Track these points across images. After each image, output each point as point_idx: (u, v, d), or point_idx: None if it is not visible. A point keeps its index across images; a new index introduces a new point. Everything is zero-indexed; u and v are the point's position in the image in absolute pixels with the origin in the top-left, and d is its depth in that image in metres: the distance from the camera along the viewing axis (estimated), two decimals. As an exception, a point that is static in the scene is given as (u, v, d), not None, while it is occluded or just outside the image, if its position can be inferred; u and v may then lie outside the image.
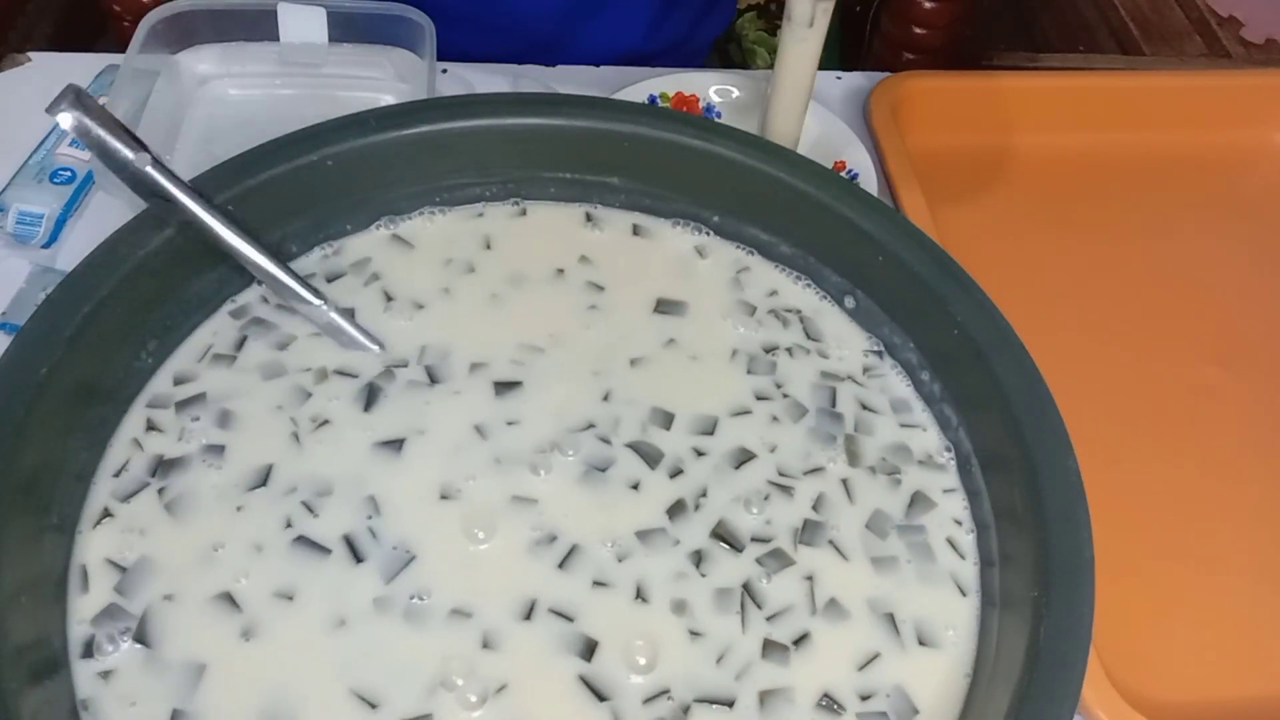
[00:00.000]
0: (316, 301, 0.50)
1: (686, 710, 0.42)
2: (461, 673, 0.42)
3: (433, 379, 0.50)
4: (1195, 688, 0.53)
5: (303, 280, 0.50)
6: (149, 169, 0.45)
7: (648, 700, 0.42)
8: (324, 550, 0.44)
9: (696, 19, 0.92)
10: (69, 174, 0.66)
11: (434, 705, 0.41)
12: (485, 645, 0.43)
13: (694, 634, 0.43)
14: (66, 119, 0.43)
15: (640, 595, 0.44)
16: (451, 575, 0.44)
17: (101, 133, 0.44)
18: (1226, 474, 0.62)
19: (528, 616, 0.43)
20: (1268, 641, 0.56)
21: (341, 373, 0.50)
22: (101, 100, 0.70)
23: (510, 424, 0.49)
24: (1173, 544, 0.58)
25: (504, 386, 0.50)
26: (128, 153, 0.44)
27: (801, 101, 0.63)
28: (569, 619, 0.43)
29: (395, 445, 0.48)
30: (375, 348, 0.50)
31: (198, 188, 0.47)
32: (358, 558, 0.44)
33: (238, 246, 0.48)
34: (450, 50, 0.76)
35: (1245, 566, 0.58)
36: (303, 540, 0.45)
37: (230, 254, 0.48)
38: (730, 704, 0.42)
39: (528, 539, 0.46)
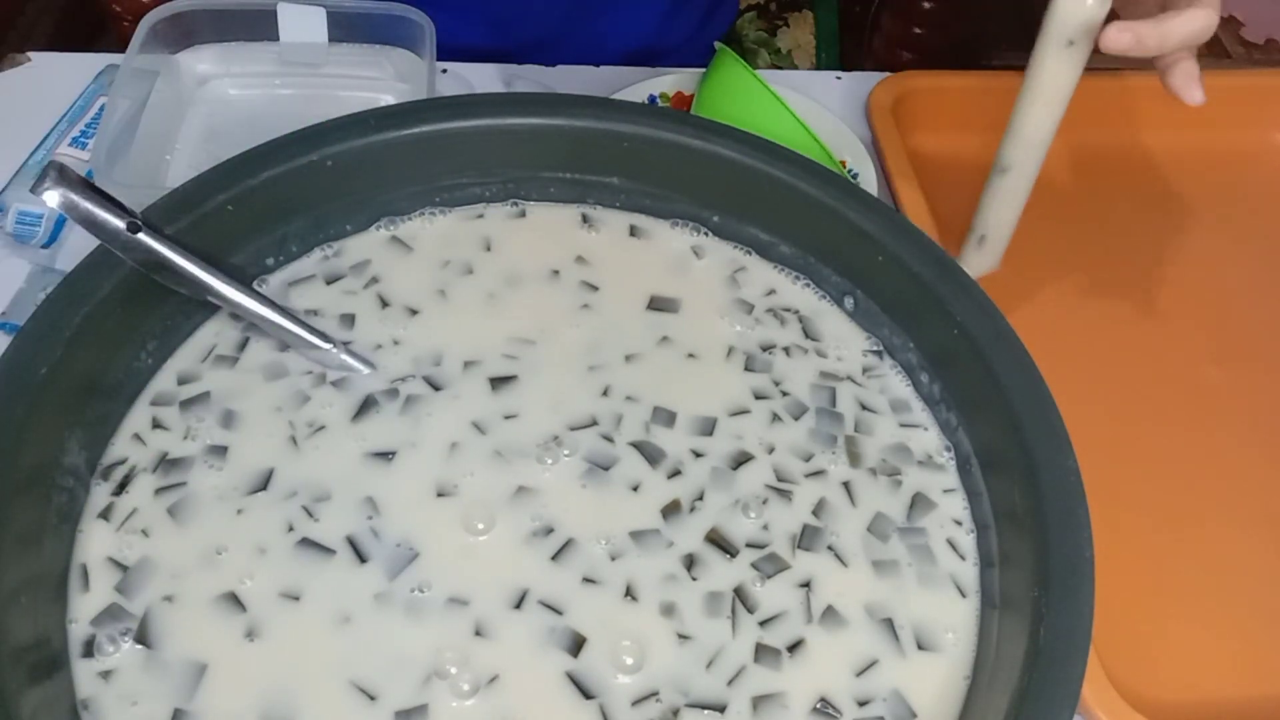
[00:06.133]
0: (325, 345, 0.50)
1: (676, 714, 0.42)
2: (455, 662, 0.42)
3: (434, 387, 0.50)
4: (1195, 688, 0.53)
5: (309, 326, 0.50)
6: (141, 235, 0.45)
7: (636, 702, 0.42)
8: (329, 551, 0.45)
9: (704, 17, 0.92)
10: (69, 174, 0.66)
11: (429, 695, 0.41)
12: (478, 633, 0.43)
13: (682, 637, 0.43)
14: (53, 197, 0.43)
15: (629, 594, 0.44)
16: (451, 566, 0.45)
17: (89, 205, 0.44)
18: (1226, 474, 0.62)
19: (518, 606, 0.44)
20: (1268, 641, 0.56)
21: (336, 383, 0.50)
22: (101, 100, 0.70)
23: (508, 418, 0.49)
24: (1173, 544, 0.58)
25: (499, 381, 0.50)
26: (117, 222, 0.44)
27: (1052, 129, 0.57)
28: (558, 612, 0.44)
29: (395, 447, 0.48)
30: (366, 369, 0.50)
31: (192, 247, 0.47)
32: (362, 558, 0.44)
33: (241, 302, 0.48)
34: (462, 44, 0.76)
35: (1245, 566, 0.58)
36: (307, 542, 0.45)
37: (233, 310, 0.49)
38: (721, 709, 0.42)
39: (526, 529, 0.46)
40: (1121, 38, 0.50)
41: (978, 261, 0.62)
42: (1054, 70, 0.54)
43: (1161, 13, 0.52)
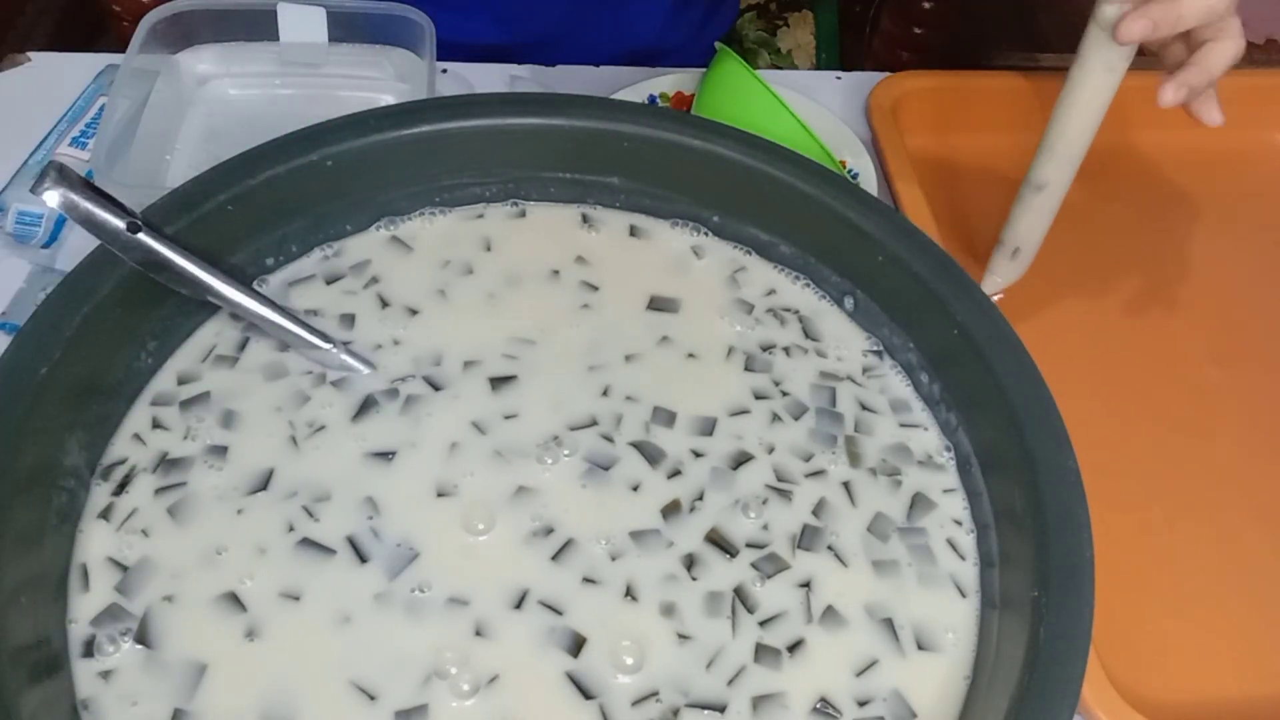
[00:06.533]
0: (325, 345, 0.50)
1: (676, 714, 0.42)
2: (455, 662, 0.42)
3: (434, 387, 0.50)
4: (1195, 688, 0.53)
5: (309, 326, 0.50)
6: (141, 235, 0.45)
7: (636, 702, 0.42)
8: (329, 551, 0.45)
9: (705, 18, 0.92)
10: (69, 174, 0.66)
11: (430, 695, 0.41)
12: (478, 633, 0.43)
13: (682, 637, 0.43)
14: (53, 197, 0.43)
15: (629, 594, 0.44)
16: (451, 566, 0.45)
17: (89, 205, 0.44)
18: (1226, 474, 0.62)
19: (518, 606, 0.44)
20: (1268, 641, 0.56)
21: (336, 383, 0.50)
22: (101, 100, 0.70)
23: (508, 418, 0.49)
24: (1172, 544, 0.58)
25: (499, 381, 0.50)
26: (117, 222, 0.44)
27: (1087, 144, 0.60)
28: (558, 612, 0.44)
29: (395, 447, 0.48)
30: (366, 369, 0.50)
31: (192, 247, 0.47)
32: (362, 558, 0.44)
33: (241, 302, 0.48)
34: (465, 41, 0.76)
35: (1245, 566, 0.58)
36: (307, 542, 0.45)
37: (233, 309, 0.49)
38: (721, 709, 0.42)
39: (526, 529, 0.46)
40: (1179, 94, 0.55)
41: (1010, 271, 0.63)
42: (1096, 90, 0.56)
43: (1184, 42, 0.56)
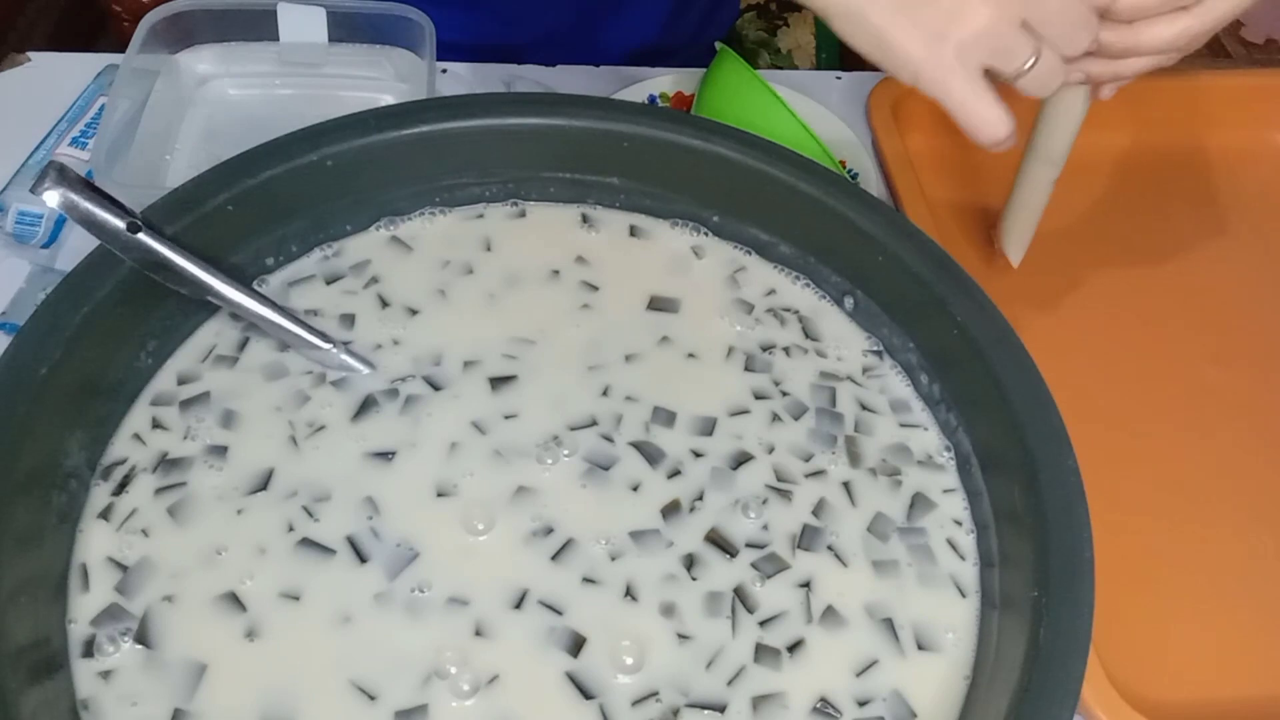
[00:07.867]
0: (325, 345, 0.50)
1: (676, 714, 0.42)
2: (456, 662, 0.42)
3: (434, 387, 0.50)
4: (1195, 688, 0.53)
5: (309, 326, 0.50)
6: (141, 235, 0.45)
7: (636, 702, 0.42)
8: (329, 551, 0.45)
9: (705, 18, 0.92)
10: (69, 174, 0.66)
11: (429, 695, 0.41)
12: (478, 633, 0.43)
13: (682, 637, 0.43)
14: (53, 197, 0.43)
15: (629, 594, 0.44)
16: (451, 566, 0.45)
17: (89, 205, 0.44)
18: (1226, 474, 0.62)
19: (518, 606, 0.44)
20: (1268, 641, 0.56)
21: (336, 383, 0.50)
22: (101, 100, 0.70)
23: (508, 418, 0.49)
24: (1173, 544, 0.58)
25: (499, 381, 0.50)
26: (117, 222, 0.44)
27: (1033, 220, 0.64)
28: (558, 612, 0.44)
29: (395, 447, 0.48)
30: (366, 370, 0.50)
31: (192, 247, 0.47)
32: (362, 558, 0.44)
33: (241, 302, 0.48)
34: (469, 40, 0.76)
35: (1245, 566, 0.58)
36: (307, 542, 0.45)
37: (233, 310, 0.49)
38: (721, 709, 0.42)
39: (526, 529, 0.46)
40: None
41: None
42: (1039, 179, 0.60)
43: None
